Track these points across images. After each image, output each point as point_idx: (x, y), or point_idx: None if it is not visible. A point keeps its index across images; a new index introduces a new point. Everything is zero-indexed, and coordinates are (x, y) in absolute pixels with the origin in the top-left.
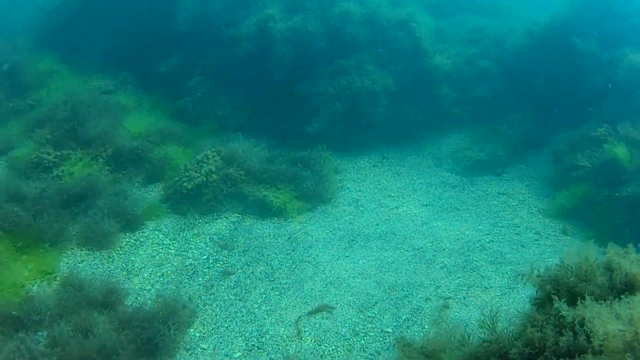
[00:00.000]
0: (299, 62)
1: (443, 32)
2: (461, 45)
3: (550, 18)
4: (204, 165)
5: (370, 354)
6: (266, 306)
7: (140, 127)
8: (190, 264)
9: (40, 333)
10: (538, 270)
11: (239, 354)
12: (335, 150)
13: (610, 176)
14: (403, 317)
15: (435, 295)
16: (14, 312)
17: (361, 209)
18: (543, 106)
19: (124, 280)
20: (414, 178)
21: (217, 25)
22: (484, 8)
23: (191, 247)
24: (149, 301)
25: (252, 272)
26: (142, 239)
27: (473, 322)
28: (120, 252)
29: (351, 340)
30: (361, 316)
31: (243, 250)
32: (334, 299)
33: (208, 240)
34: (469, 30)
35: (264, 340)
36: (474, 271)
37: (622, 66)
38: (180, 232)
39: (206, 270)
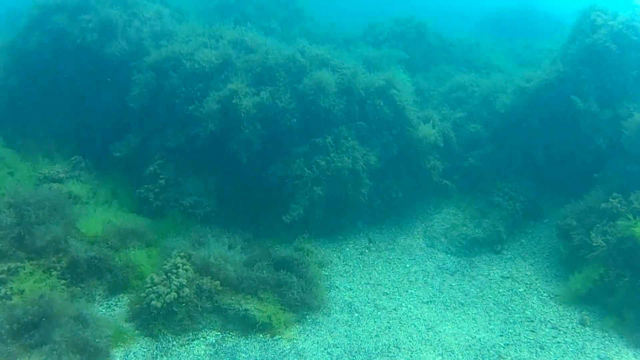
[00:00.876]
0: (270, 141)
1: (422, 91)
2: (446, 106)
3: (544, 74)
4: (174, 277)
5: None
6: None
7: (97, 227)
8: None
9: None
10: None
11: None
12: (316, 237)
13: (629, 255)
14: None
15: None
16: None
17: (356, 315)
18: (540, 172)
19: None
20: (408, 265)
21: (174, 102)
22: (459, 60)
23: None
24: None
25: None
26: None
27: None
28: None
29: None
30: None
31: None
32: None
33: None
34: (451, 88)
35: None
36: None
37: (628, 127)
38: None
39: None
